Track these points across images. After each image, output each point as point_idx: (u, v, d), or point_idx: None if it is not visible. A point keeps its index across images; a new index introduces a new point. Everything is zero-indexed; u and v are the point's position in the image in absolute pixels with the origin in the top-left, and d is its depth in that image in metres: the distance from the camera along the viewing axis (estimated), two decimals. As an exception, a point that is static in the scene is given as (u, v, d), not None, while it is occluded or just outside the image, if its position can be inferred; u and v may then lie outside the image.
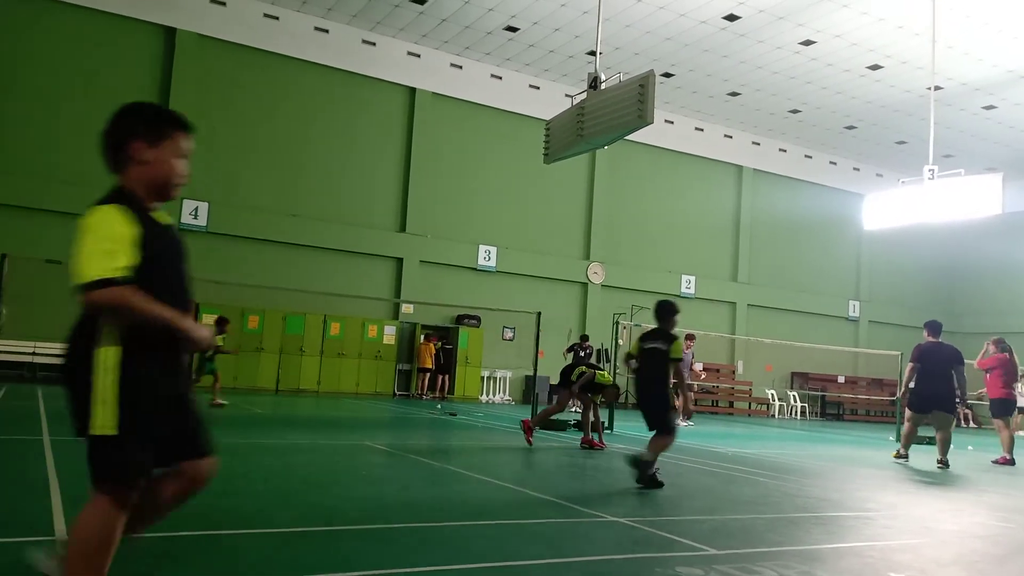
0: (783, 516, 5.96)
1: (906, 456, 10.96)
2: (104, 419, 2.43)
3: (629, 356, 7.54)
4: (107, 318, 2.43)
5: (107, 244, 2.39)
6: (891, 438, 15.60)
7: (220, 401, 13.56)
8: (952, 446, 10.94)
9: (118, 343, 2.44)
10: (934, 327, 11.08)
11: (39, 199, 17.51)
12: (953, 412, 10.81)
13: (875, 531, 5.60)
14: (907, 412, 11.09)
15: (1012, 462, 11.36)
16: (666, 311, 7.37)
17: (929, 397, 10.65)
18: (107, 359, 2.43)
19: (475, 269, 22.51)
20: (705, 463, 9.31)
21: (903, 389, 11.29)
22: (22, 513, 4.48)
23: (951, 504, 7.29)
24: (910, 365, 11.03)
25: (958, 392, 10.68)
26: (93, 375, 2.44)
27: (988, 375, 12.10)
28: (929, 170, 13.49)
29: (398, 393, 21.10)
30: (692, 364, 17.17)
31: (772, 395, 25.89)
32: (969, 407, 23.14)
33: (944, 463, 10.45)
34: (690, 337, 17.18)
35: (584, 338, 19.11)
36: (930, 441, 13.04)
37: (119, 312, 2.41)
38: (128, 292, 2.38)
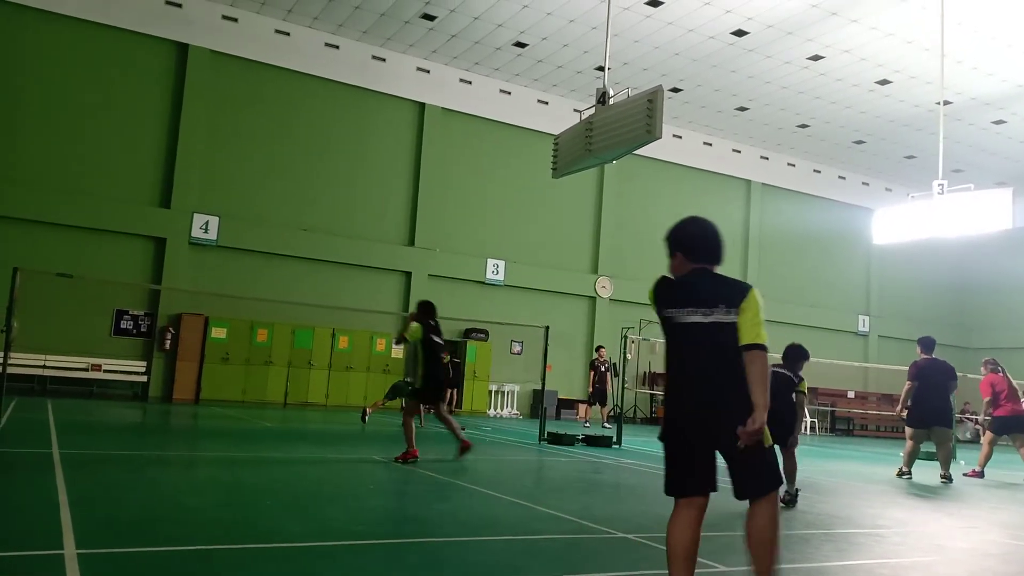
0: (793, 533, 5.92)
1: (909, 473, 10.93)
2: (767, 436, 3.30)
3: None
4: (753, 371, 3.29)
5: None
6: (902, 454, 15.49)
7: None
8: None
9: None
10: (928, 344, 11.26)
11: (51, 213, 17.63)
12: (951, 426, 11.07)
13: (886, 549, 5.56)
14: (908, 430, 11.15)
15: (981, 475, 11.62)
16: (796, 355, 7.62)
17: (930, 412, 10.86)
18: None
19: (483, 283, 22.53)
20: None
21: (901, 407, 11.28)
22: (32, 527, 4.49)
23: (962, 521, 7.23)
24: (909, 383, 11.08)
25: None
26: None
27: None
28: (938, 185, 13.44)
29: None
30: None
31: (781, 410, 25.74)
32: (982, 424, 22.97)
33: (948, 477, 10.53)
34: None
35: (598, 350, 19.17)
36: (931, 456, 13.04)
37: (764, 371, 3.30)
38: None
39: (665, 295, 3.58)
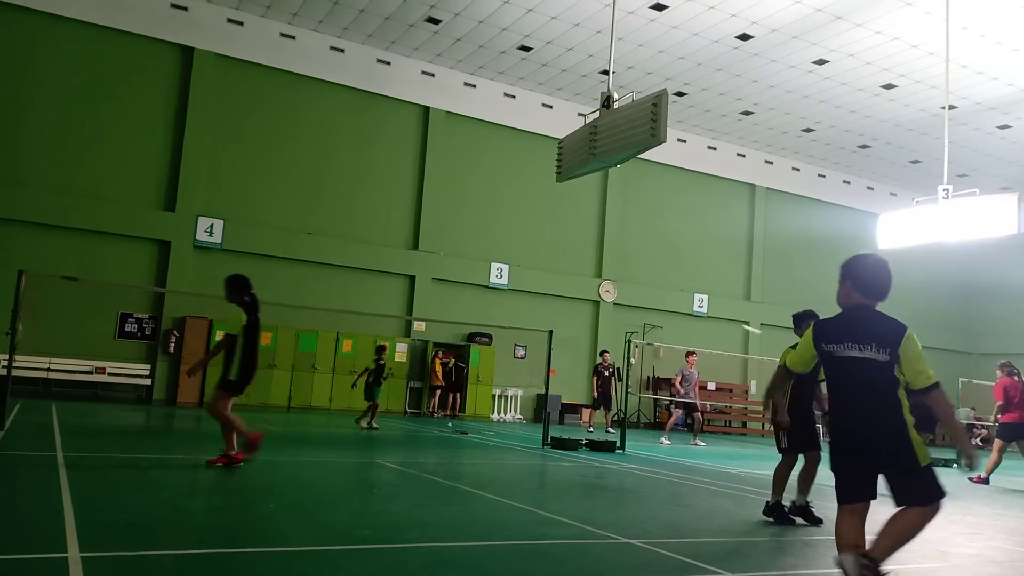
0: (796, 538, 5.90)
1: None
2: (924, 456, 3.69)
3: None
4: (939, 411, 3.76)
5: None
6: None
7: (375, 425, 14.91)
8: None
9: (911, 414, 3.75)
10: None
11: (56, 216, 17.69)
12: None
13: (891, 554, 5.53)
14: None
15: (986, 481, 11.58)
16: (798, 319, 6.86)
17: (930, 417, 10.90)
18: (911, 422, 3.71)
19: (487, 287, 22.53)
20: (718, 484, 9.24)
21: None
22: (36, 530, 4.49)
23: (967, 527, 7.20)
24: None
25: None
26: (910, 433, 3.69)
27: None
28: (944, 189, 13.42)
29: (409, 411, 21.08)
30: (696, 383, 16.96)
31: (786, 415, 25.65)
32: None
33: None
34: (691, 353, 16.99)
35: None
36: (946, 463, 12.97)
37: (948, 407, 3.78)
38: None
39: (824, 332, 3.92)
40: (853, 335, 3.79)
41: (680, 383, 16.68)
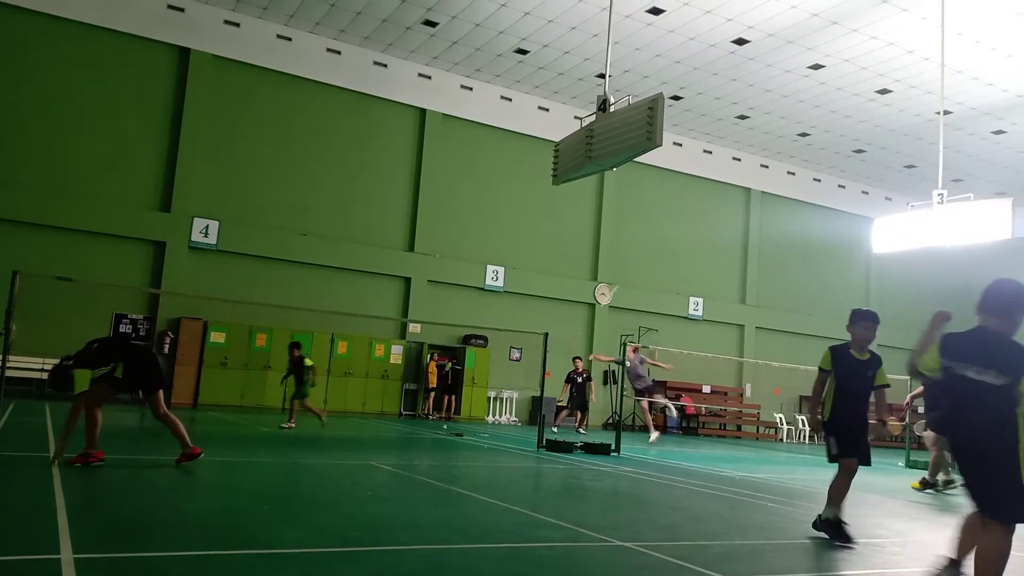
0: (791, 542, 5.90)
1: (952, 480, 10.21)
2: None
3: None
4: None
5: None
6: (900, 464, 15.51)
7: (293, 424, 14.20)
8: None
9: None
10: None
11: (50, 216, 17.65)
12: None
13: (884, 559, 5.54)
14: (931, 435, 10.53)
15: None
16: (853, 315, 6.13)
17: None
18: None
19: (483, 289, 22.53)
20: (712, 487, 9.24)
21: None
22: (29, 531, 4.47)
23: (961, 531, 7.20)
24: (922, 389, 10.89)
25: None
26: (1020, 447, 3.65)
27: None
28: (938, 194, 13.46)
29: (404, 413, 21.06)
30: (647, 363, 16.89)
31: (780, 419, 25.74)
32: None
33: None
34: (634, 349, 16.74)
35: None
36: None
37: None
38: None
39: (948, 346, 3.97)
40: (974, 356, 3.85)
41: (633, 380, 16.55)
